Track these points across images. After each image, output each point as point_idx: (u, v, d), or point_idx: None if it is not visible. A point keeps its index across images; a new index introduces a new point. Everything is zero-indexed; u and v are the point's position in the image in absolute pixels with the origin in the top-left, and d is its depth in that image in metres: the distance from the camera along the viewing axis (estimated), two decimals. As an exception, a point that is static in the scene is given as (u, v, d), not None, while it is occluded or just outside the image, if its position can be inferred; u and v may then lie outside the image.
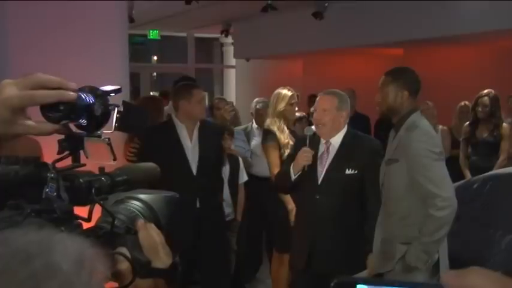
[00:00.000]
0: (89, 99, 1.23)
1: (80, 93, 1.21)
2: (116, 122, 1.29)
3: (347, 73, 9.65)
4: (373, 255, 3.47)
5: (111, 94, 1.29)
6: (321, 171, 3.65)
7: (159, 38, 13.06)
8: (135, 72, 12.87)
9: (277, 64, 11.39)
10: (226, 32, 11.35)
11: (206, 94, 6.53)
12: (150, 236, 1.20)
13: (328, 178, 3.62)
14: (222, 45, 13.51)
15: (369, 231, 3.48)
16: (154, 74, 17.11)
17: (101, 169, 1.21)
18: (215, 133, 4.49)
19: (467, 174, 5.88)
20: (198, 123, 4.32)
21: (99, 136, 1.27)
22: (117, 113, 1.29)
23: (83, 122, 1.23)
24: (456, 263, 3.45)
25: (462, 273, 0.74)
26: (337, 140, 3.67)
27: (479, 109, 6.07)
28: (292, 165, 3.70)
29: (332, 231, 3.59)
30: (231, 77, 12.95)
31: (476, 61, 8.87)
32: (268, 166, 4.68)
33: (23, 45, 4.10)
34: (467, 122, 6.30)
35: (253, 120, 5.83)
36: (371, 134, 7.07)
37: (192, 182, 4.17)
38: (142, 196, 1.30)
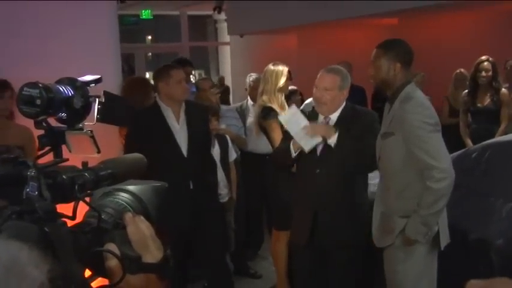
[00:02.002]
0: (68, 91, 1.18)
1: (58, 86, 1.16)
2: (97, 114, 1.24)
3: (342, 45, 9.57)
4: None
5: (91, 85, 1.25)
6: (320, 145, 3.62)
7: (152, 17, 12.94)
8: (129, 53, 12.77)
9: (271, 39, 11.29)
10: (219, 9, 11.23)
11: (195, 73, 6.42)
12: (139, 229, 1.16)
13: (327, 151, 3.59)
14: (215, 22, 13.38)
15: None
16: (150, 54, 16.99)
17: (84, 164, 1.16)
18: (201, 113, 4.41)
19: (469, 143, 5.84)
20: (184, 105, 4.24)
21: (81, 129, 1.22)
22: (98, 104, 1.24)
23: (63, 115, 1.18)
24: (457, 233, 3.45)
25: (488, 284, 0.71)
26: (335, 114, 3.64)
27: (482, 74, 6.01)
28: (292, 142, 3.67)
29: (333, 205, 3.58)
30: (226, 54, 12.85)
31: (472, 28, 8.78)
32: (270, 143, 4.62)
33: (10, 30, 4.04)
34: (466, 91, 6.24)
35: (248, 97, 5.78)
36: (367, 105, 7.04)
37: (183, 164, 4.13)
38: (130, 187, 1.25)
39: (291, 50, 10.56)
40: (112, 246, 1.11)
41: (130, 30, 14.55)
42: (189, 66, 6.11)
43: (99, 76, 1.28)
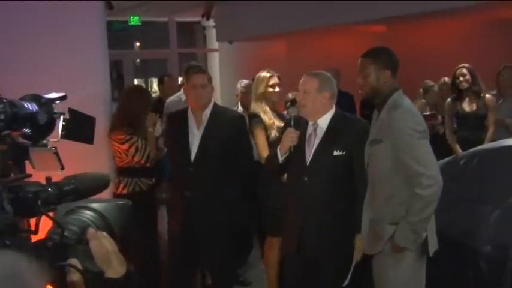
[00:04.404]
0: (32, 107, 1.19)
1: (22, 102, 1.17)
2: (62, 131, 1.25)
3: (331, 52, 9.58)
4: (361, 236, 3.45)
5: (56, 102, 1.26)
6: (309, 153, 3.62)
7: (140, 23, 12.92)
8: (117, 60, 12.74)
9: (260, 46, 11.30)
10: (207, 16, 11.23)
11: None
12: (102, 245, 1.18)
13: (316, 160, 3.59)
14: (204, 28, 13.37)
15: (357, 212, 3.46)
16: (138, 60, 16.95)
17: (48, 179, 1.18)
18: (226, 122, 4.14)
19: (458, 149, 5.87)
20: (208, 110, 4.12)
21: (45, 145, 1.23)
22: (63, 121, 1.25)
23: (27, 131, 1.19)
24: (445, 240, 3.45)
25: None
26: (324, 121, 3.64)
27: (460, 79, 6.09)
28: (278, 147, 3.68)
29: (321, 213, 3.57)
30: (214, 61, 12.84)
31: (461, 36, 8.84)
32: (256, 149, 4.65)
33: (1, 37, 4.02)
34: (449, 98, 6.29)
35: (239, 104, 5.79)
36: (355, 112, 7.07)
37: (188, 170, 4.08)
38: (94, 205, 1.28)
39: (280, 57, 10.58)
40: (74, 261, 1.12)
41: (118, 36, 14.53)
42: None
43: (64, 94, 1.29)
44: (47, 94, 1.33)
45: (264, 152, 4.51)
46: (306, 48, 10.26)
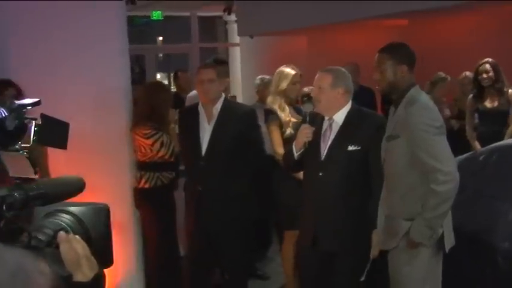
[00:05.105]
0: (1, 112, 1.23)
1: None
2: (34, 136, 1.29)
3: (351, 47, 9.54)
4: (377, 232, 3.46)
5: (28, 107, 1.30)
6: (324, 149, 3.63)
7: (162, 18, 12.98)
8: (140, 54, 12.83)
9: (281, 41, 11.28)
10: (229, 10, 11.23)
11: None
12: (73, 248, 1.21)
13: (331, 155, 3.60)
14: (225, 23, 13.37)
15: (373, 208, 3.47)
16: (161, 55, 17.03)
17: (16, 183, 1.22)
18: (237, 117, 4.18)
19: (477, 146, 5.81)
20: (219, 105, 4.17)
21: (17, 150, 1.27)
22: (35, 127, 1.29)
23: None
24: (463, 236, 3.44)
25: None
26: (340, 116, 3.64)
27: (483, 76, 5.99)
28: (294, 143, 3.70)
29: (336, 208, 3.58)
30: (236, 55, 12.84)
31: (483, 29, 8.73)
32: (271, 145, 4.66)
33: (19, 32, 4.07)
34: (471, 95, 6.20)
35: (258, 98, 5.80)
36: (376, 107, 7.03)
37: (198, 165, 4.13)
38: (72, 209, 1.32)
39: (301, 52, 10.55)
40: (42, 264, 1.16)
41: (141, 31, 14.64)
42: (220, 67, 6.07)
43: (37, 99, 1.33)
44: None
45: (279, 149, 4.52)
46: (327, 43, 10.23)
